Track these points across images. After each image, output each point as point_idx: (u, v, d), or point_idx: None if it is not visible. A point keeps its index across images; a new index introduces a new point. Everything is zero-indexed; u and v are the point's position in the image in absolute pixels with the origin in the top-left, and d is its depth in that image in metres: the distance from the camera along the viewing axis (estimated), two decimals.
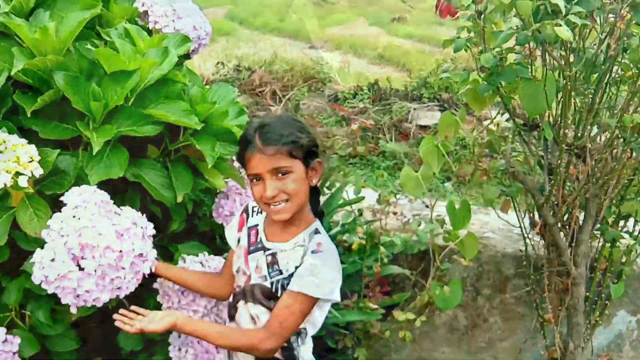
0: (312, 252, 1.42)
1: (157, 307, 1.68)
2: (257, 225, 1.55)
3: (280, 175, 1.39)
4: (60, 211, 1.38)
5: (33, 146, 1.35)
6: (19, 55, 1.38)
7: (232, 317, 1.55)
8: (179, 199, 1.65)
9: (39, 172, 1.33)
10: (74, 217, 1.34)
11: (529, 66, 1.94)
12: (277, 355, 1.48)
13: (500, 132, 2.20)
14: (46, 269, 1.31)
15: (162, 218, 1.78)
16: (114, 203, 1.60)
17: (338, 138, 2.81)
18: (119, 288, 1.36)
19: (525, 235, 2.45)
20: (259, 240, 1.52)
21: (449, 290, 2.20)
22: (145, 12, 1.72)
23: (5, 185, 1.28)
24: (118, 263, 1.33)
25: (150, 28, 1.77)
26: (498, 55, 1.81)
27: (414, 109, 5.67)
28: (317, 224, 1.51)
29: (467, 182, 4.77)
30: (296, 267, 1.43)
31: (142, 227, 1.43)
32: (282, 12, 12.85)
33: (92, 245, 1.31)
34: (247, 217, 1.59)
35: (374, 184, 3.08)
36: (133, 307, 1.46)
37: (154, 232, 1.47)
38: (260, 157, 1.39)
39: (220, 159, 1.65)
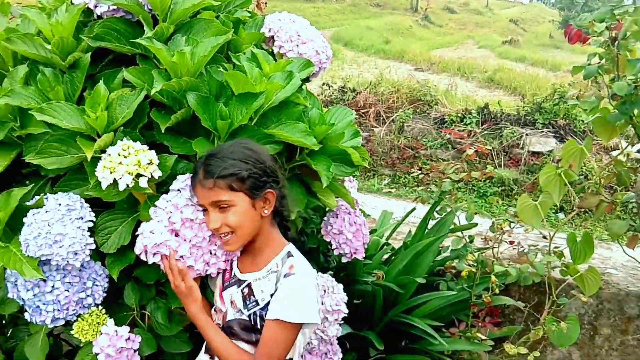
0: (285, 275, 1.39)
1: None
2: (233, 260, 1.52)
3: (222, 207, 1.37)
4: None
5: (153, 151, 1.44)
6: (157, 77, 1.49)
7: (212, 357, 1.52)
8: (292, 216, 1.69)
9: (157, 174, 1.42)
10: (176, 196, 1.46)
11: None
12: None
13: (631, 163, 2.05)
14: (145, 239, 1.42)
15: None
16: None
17: (449, 162, 2.76)
18: (208, 263, 1.44)
19: None
20: (232, 275, 1.49)
21: (566, 327, 2.07)
22: (272, 37, 1.80)
23: (127, 185, 1.38)
24: (212, 238, 1.44)
25: (274, 52, 1.85)
26: (632, 83, 1.70)
27: (527, 134, 5.47)
28: (289, 247, 1.47)
29: (584, 214, 4.51)
30: (271, 295, 1.39)
31: None
32: (387, 34, 12.95)
33: (190, 219, 1.42)
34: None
35: (487, 210, 2.97)
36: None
37: None
38: (201, 189, 1.38)
39: (334, 179, 1.67)
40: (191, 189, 1.44)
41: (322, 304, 1.67)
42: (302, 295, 1.38)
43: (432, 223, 2.52)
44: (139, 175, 1.40)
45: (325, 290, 1.71)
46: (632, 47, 1.74)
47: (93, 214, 1.52)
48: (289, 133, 1.61)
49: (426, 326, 2.21)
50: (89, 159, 1.45)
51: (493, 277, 2.23)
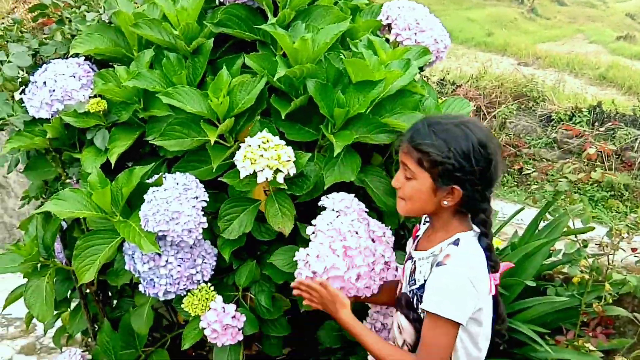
0: (438, 264, 1.31)
1: (357, 309, 1.71)
2: (419, 235, 1.51)
3: (407, 174, 1.35)
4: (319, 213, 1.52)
5: (290, 148, 1.47)
6: (281, 63, 1.51)
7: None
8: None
9: (293, 171, 1.46)
10: (337, 220, 1.47)
11: None
12: None
13: None
14: (313, 265, 1.43)
15: None
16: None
17: (568, 161, 2.62)
18: (367, 288, 1.46)
19: None
20: (413, 249, 1.48)
21: None
22: (388, 25, 1.77)
23: (266, 179, 1.41)
24: (371, 264, 1.44)
25: (389, 40, 1.83)
26: None
27: None
28: (462, 235, 1.35)
29: None
30: (426, 280, 1.34)
31: (388, 237, 1.54)
32: (489, 26, 12.47)
33: (352, 248, 1.42)
34: (420, 227, 1.54)
35: (597, 215, 2.80)
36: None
37: (393, 238, 1.56)
38: (400, 147, 1.38)
39: None
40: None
41: None
42: (452, 290, 1.28)
43: (541, 225, 2.41)
44: (277, 170, 1.43)
45: None
46: None
47: (207, 194, 1.58)
48: (405, 122, 1.58)
49: (530, 331, 2.12)
50: (212, 143, 1.51)
51: (607, 285, 2.09)
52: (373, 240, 1.47)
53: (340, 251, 1.41)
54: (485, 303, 1.34)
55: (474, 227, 1.37)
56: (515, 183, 5.56)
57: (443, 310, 1.26)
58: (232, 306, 1.62)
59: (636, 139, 5.09)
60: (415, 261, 1.40)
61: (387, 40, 1.83)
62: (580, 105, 5.86)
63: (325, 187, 1.56)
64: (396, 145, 1.45)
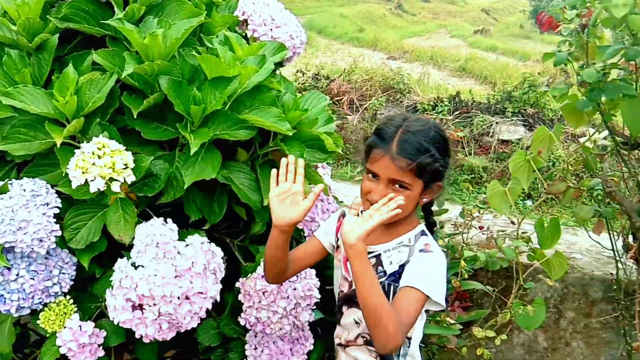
0: (421, 250, 1.37)
1: (236, 305, 1.72)
2: None
3: (396, 187, 1.33)
4: (151, 216, 1.45)
5: (129, 153, 1.39)
6: (129, 59, 1.46)
7: (338, 322, 1.56)
8: (265, 202, 1.69)
9: (131, 179, 1.38)
10: (132, 265, 1.40)
11: (634, 83, 1.84)
12: (375, 359, 1.46)
13: (596, 150, 2.10)
14: (112, 312, 1.40)
15: (246, 220, 1.82)
16: (203, 204, 1.67)
17: None
18: (179, 326, 1.42)
19: (618, 259, 2.33)
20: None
21: (532, 310, 2.13)
22: (245, 21, 1.78)
23: (98, 189, 1.34)
24: (176, 309, 1.37)
25: (247, 36, 1.83)
26: (601, 70, 1.73)
27: (497, 122, 5.55)
28: (422, 226, 1.45)
29: (551, 201, 4.61)
30: (400, 266, 1.37)
31: (204, 264, 1.43)
32: (360, 22, 12.94)
33: (147, 296, 1.36)
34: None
35: (459, 197, 3.02)
36: None
37: (221, 262, 1.50)
38: (389, 163, 1.32)
39: (307, 165, 1.67)
40: (368, 150, 1.37)
41: (295, 289, 1.68)
42: (437, 273, 1.34)
43: None
44: (111, 179, 1.36)
45: (297, 276, 1.72)
46: (601, 34, 1.78)
47: (59, 200, 1.49)
48: (263, 118, 1.60)
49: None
50: (58, 145, 1.43)
51: (462, 262, 2.27)
52: (178, 276, 1.39)
53: (135, 300, 1.37)
54: None
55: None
56: None
57: (428, 289, 1.30)
58: (90, 324, 1.53)
59: (491, 125, 5.52)
60: (378, 254, 1.42)
61: (246, 36, 1.84)
62: (442, 95, 6.25)
63: (185, 186, 1.53)
64: (372, 154, 1.38)
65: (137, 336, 1.42)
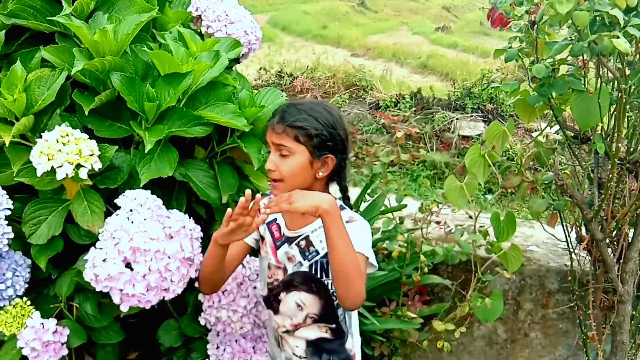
0: (347, 222, 1.39)
1: (198, 305, 1.71)
2: (275, 220, 1.55)
3: (282, 153, 1.42)
4: (114, 209, 1.42)
5: (94, 141, 1.39)
6: (79, 55, 1.43)
7: (275, 310, 1.57)
8: (224, 200, 1.68)
9: (98, 165, 1.38)
10: (127, 220, 1.38)
11: (582, 78, 1.89)
12: (326, 334, 1.52)
13: (549, 144, 2.15)
14: (97, 268, 1.34)
15: (206, 218, 1.81)
16: (163, 201, 1.65)
17: (381, 145, 2.80)
18: (165, 290, 1.39)
19: (572, 250, 2.39)
20: (282, 233, 1.53)
21: (490, 302, 2.17)
22: (199, 17, 1.76)
23: (67, 175, 1.33)
24: (167, 266, 1.36)
25: (202, 32, 1.82)
26: (550, 66, 1.78)
27: (457, 119, 5.64)
28: (339, 201, 1.50)
29: (510, 195, 4.71)
30: None
31: (190, 230, 1.46)
32: (324, 19, 12.96)
33: (143, 249, 1.34)
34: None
35: (417, 192, 3.05)
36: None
37: (201, 234, 1.50)
38: (271, 131, 1.43)
39: (265, 161, 1.67)
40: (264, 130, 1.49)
41: (255, 287, 1.68)
42: (368, 238, 1.43)
43: (364, 205, 2.56)
44: (79, 166, 1.34)
45: (258, 275, 1.71)
46: (550, 30, 1.82)
47: (11, 202, 1.45)
48: (219, 114, 1.59)
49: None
50: (7, 144, 1.39)
51: (422, 256, 2.29)
52: (171, 237, 1.40)
53: (128, 253, 1.34)
54: None
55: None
56: (353, 168, 5.86)
57: (366, 250, 1.39)
58: (52, 321, 1.51)
59: (452, 121, 5.61)
60: (306, 236, 1.48)
61: (200, 32, 1.83)
62: (404, 92, 6.32)
63: (142, 184, 1.51)
64: (263, 131, 1.51)
65: (116, 301, 1.37)
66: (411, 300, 2.44)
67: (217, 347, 1.83)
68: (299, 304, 1.52)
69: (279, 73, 7.42)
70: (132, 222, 1.37)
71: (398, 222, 2.40)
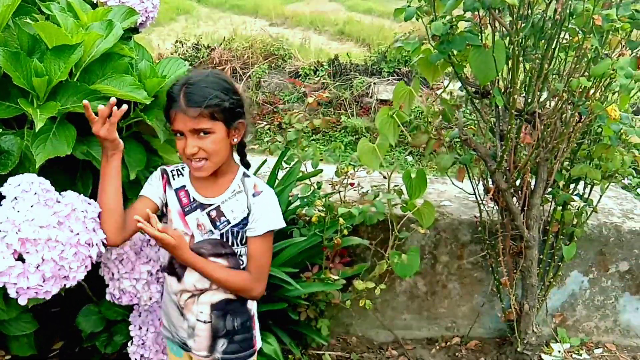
0: (254, 195, 1.51)
1: None
2: (184, 186, 1.55)
3: (201, 134, 1.43)
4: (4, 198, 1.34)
5: None
6: None
7: (179, 278, 1.56)
8: (132, 176, 1.63)
9: None
10: (13, 209, 1.29)
11: (479, 34, 1.95)
12: (230, 294, 1.56)
13: (454, 101, 2.21)
14: None
15: None
16: (65, 183, 1.58)
17: (295, 112, 2.80)
18: (65, 277, 1.32)
19: (480, 202, 2.50)
20: (192, 200, 1.53)
21: (407, 258, 2.24)
22: None
23: None
24: (61, 254, 1.29)
25: (96, 2, 1.73)
26: (448, 23, 1.82)
27: (374, 83, 5.71)
28: (242, 169, 1.57)
29: (430, 154, 4.84)
30: (246, 215, 1.51)
31: (83, 211, 1.38)
32: None
33: (32, 239, 1.27)
34: (169, 180, 1.57)
35: (334, 158, 3.08)
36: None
37: (98, 211, 1.44)
38: (183, 116, 1.42)
39: (169, 136, 1.62)
40: (166, 114, 1.48)
41: (157, 252, 1.65)
42: (276, 206, 1.53)
43: (282, 174, 2.57)
44: None
45: None
46: None
47: None
48: (117, 87, 1.52)
49: (282, 274, 2.27)
50: None
51: (340, 219, 2.33)
52: (61, 223, 1.33)
53: (17, 245, 1.26)
54: None
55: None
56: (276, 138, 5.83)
57: (276, 224, 1.52)
58: None
59: (369, 85, 5.67)
60: (217, 206, 1.51)
61: (95, 2, 1.74)
62: (322, 59, 6.31)
63: (37, 166, 1.43)
64: (170, 116, 1.47)
65: (12, 295, 1.28)
66: (333, 263, 2.48)
67: (140, 328, 1.80)
68: None
69: (196, 45, 7.23)
70: (19, 211, 1.28)
71: (316, 187, 2.42)
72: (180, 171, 1.58)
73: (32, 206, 1.30)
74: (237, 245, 1.52)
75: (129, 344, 1.80)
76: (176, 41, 7.42)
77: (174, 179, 1.57)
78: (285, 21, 10.01)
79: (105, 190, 1.46)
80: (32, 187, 1.34)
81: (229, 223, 1.50)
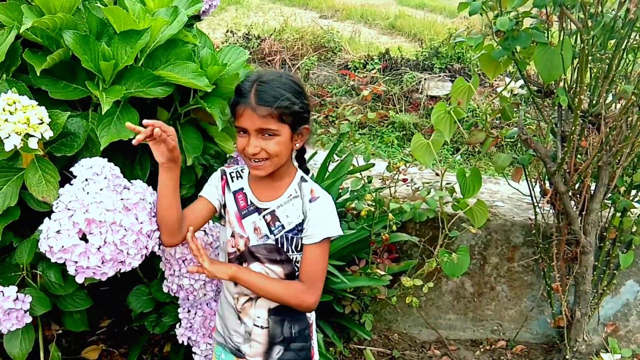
0: (310, 200, 1.47)
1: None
2: (242, 189, 1.54)
3: (266, 135, 1.40)
4: (70, 178, 1.38)
5: (43, 108, 1.33)
6: (28, 13, 1.36)
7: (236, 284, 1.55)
8: (189, 162, 1.65)
9: (48, 134, 1.32)
10: (82, 190, 1.33)
11: (546, 31, 1.89)
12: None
13: (513, 99, 2.15)
14: (51, 239, 1.30)
15: None
16: (124, 166, 1.61)
17: (348, 105, 2.78)
18: (122, 262, 1.36)
19: (536, 204, 2.43)
20: (249, 203, 1.52)
21: (457, 257, 2.20)
22: None
23: (15, 146, 1.27)
24: (123, 239, 1.33)
25: None
26: (514, 19, 1.76)
27: (425, 79, 5.62)
28: (300, 172, 1.54)
29: (477, 153, 4.76)
30: (301, 221, 1.47)
31: (150, 203, 1.41)
32: None
33: (98, 221, 1.31)
34: (228, 182, 1.57)
35: (385, 152, 3.06)
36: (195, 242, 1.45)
37: None
38: (251, 114, 1.39)
39: (229, 122, 1.63)
40: (233, 109, 1.44)
41: (217, 255, 1.67)
42: (332, 214, 1.48)
43: (332, 166, 2.56)
44: (28, 135, 1.28)
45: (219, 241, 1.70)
46: None
47: None
48: (179, 74, 1.54)
49: (329, 266, 2.27)
50: None
51: (390, 214, 2.30)
52: (128, 209, 1.36)
53: (83, 225, 1.30)
54: None
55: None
56: (323, 130, 5.82)
57: (333, 231, 1.46)
58: (13, 288, 1.47)
59: (420, 81, 5.59)
60: (272, 211, 1.48)
61: None
62: (372, 53, 6.25)
63: (102, 148, 1.46)
64: (237, 111, 1.43)
65: (71, 272, 1.33)
66: (380, 258, 2.46)
67: (188, 311, 1.83)
68: (264, 272, 1.51)
69: (247, 36, 7.27)
70: (88, 193, 1.32)
71: (366, 181, 2.40)
72: (239, 173, 1.57)
73: (101, 189, 1.33)
74: (293, 251, 1.48)
75: (177, 326, 1.83)
76: (227, 31, 7.48)
77: (232, 181, 1.56)
78: (335, 14, 9.97)
79: (165, 191, 1.44)
80: (103, 170, 1.38)
81: (283, 228, 1.48)
